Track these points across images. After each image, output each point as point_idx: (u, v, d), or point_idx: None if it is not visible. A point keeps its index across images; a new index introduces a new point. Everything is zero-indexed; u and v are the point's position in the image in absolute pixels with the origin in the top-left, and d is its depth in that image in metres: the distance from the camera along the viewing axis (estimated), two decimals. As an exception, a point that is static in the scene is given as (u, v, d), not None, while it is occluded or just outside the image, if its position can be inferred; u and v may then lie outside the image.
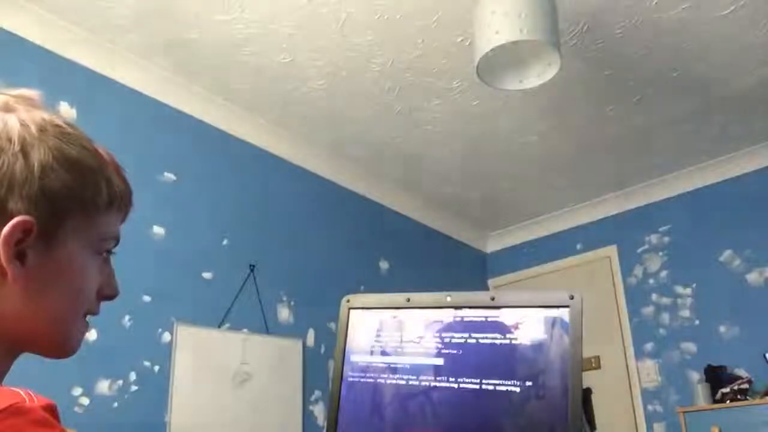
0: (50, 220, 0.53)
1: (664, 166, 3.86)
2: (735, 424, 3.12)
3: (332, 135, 3.36)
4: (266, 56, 2.72)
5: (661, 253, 3.96)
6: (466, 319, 0.68)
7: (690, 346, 3.70)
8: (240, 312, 2.87)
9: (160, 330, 2.55)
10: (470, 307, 0.68)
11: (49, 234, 0.53)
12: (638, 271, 4.03)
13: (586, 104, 3.15)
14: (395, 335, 0.71)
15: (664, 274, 3.92)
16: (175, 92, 2.86)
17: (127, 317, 2.45)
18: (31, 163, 0.52)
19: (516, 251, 4.72)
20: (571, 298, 0.63)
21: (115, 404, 2.34)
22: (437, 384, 0.66)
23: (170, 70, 2.79)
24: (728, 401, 3.25)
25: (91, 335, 2.30)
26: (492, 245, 4.86)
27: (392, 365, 0.70)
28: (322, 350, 3.22)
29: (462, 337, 0.67)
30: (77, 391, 2.24)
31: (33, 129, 0.53)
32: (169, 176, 2.76)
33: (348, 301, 0.76)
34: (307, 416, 3.03)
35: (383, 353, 0.71)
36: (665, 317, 3.85)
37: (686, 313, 3.77)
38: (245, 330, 2.87)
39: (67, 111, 2.42)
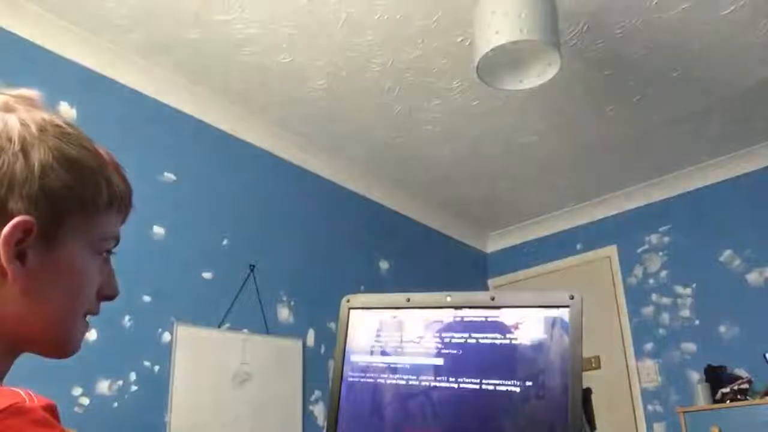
0: (50, 220, 0.53)
1: (664, 166, 3.86)
2: (735, 424, 3.12)
3: (332, 135, 3.36)
4: (266, 56, 2.72)
5: (661, 253, 3.96)
6: (466, 319, 0.68)
7: (690, 346, 3.70)
8: (240, 312, 2.87)
9: (160, 330, 2.55)
10: (470, 307, 0.68)
11: (50, 234, 0.53)
12: (638, 271, 4.03)
13: (586, 104, 3.15)
14: (395, 335, 0.71)
15: (664, 274, 3.92)
16: (175, 92, 2.86)
17: (127, 317, 2.45)
18: (32, 162, 0.52)
19: (516, 251, 4.72)
20: (571, 298, 0.63)
21: (115, 404, 2.34)
22: (437, 384, 0.66)
23: (170, 70, 2.79)
24: (728, 401, 3.25)
25: (91, 335, 2.30)
26: (492, 245, 4.86)
27: (392, 365, 0.70)
28: (322, 350, 3.22)
29: (462, 337, 0.67)
30: (77, 391, 2.24)
31: (33, 129, 0.53)
32: (169, 176, 2.76)
33: (348, 301, 0.76)
34: (307, 416, 3.03)
35: (383, 353, 0.71)
36: (665, 317, 3.85)
37: (686, 313, 3.77)
38: (245, 330, 2.87)
39: (67, 111, 2.42)
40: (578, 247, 4.37)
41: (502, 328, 0.66)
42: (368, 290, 3.11)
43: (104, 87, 2.61)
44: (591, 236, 4.31)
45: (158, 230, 2.65)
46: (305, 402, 3.04)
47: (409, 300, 0.72)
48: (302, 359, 3.08)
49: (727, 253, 3.68)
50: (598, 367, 4.00)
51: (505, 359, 0.64)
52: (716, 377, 3.38)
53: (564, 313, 0.63)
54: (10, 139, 0.52)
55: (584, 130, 3.40)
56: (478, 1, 2.25)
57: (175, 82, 2.84)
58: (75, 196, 0.55)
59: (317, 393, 3.12)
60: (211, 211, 2.89)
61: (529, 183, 4.02)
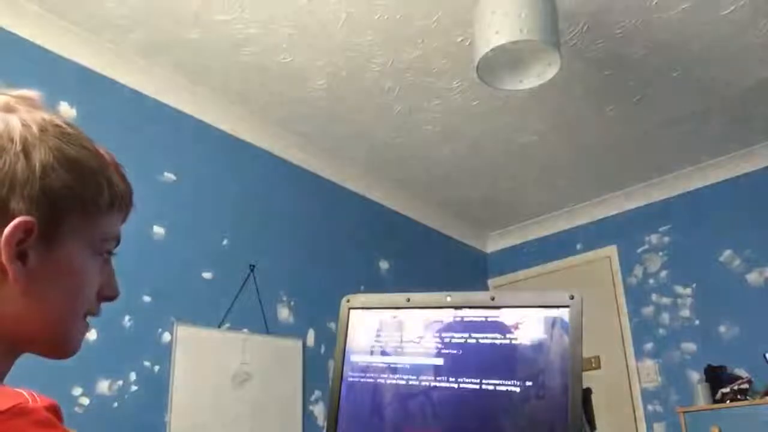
0: (51, 220, 0.53)
1: (664, 166, 3.86)
2: (735, 424, 3.12)
3: (332, 135, 3.36)
4: (266, 56, 2.72)
5: (661, 253, 3.96)
6: (466, 319, 0.68)
7: (690, 346, 3.70)
8: (240, 312, 2.87)
9: (160, 330, 2.55)
10: (470, 307, 0.68)
11: (50, 234, 0.53)
12: (638, 271, 4.03)
13: (586, 104, 3.15)
14: (395, 335, 0.71)
15: (664, 274, 3.92)
16: (175, 92, 2.86)
17: (127, 317, 2.45)
18: (33, 163, 0.52)
19: (516, 251, 4.72)
20: (571, 298, 0.63)
21: (115, 404, 2.34)
22: (437, 384, 0.66)
23: (170, 70, 2.79)
24: (728, 401, 3.25)
25: (91, 335, 2.30)
26: (492, 245, 4.86)
27: (392, 365, 0.70)
28: (322, 350, 3.22)
29: (462, 337, 0.67)
30: (77, 391, 2.24)
31: (34, 129, 0.53)
32: (169, 176, 2.76)
33: (348, 301, 0.76)
34: (307, 416, 3.03)
35: (383, 353, 0.71)
36: (665, 317, 3.85)
37: (686, 313, 3.77)
38: (245, 330, 2.87)
39: (67, 111, 2.42)
40: (578, 247, 4.37)
41: (502, 328, 0.66)
42: (368, 290, 3.11)
43: (104, 87, 2.61)
44: (591, 236, 4.31)
45: (158, 230, 2.65)
46: (305, 402, 3.04)
47: (409, 300, 0.72)
48: (302, 359, 3.08)
49: (727, 253, 3.68)
50: (598, 367, 4.00)
51: (505, 359, 0.64)
52: (716, 377, 3.38)
53: (564, 313, 0.63)
54: (11, 140, 0.52)
55: (584, 130, 3.40)
56: (478, 1, 2.25)
57: (175, 82, 2.84)
58: (76, 196, 0.55)
59: (317, 393, 3.13)
60: (211, 211, 2.89)
61: (529, 183, 4.02)
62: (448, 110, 3.15)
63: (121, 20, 2.48)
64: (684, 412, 3.36)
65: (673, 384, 3.71)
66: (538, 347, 0.63)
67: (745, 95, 3.12)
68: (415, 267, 4.04)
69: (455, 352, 0.67)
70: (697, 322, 3.71)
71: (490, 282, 4.77)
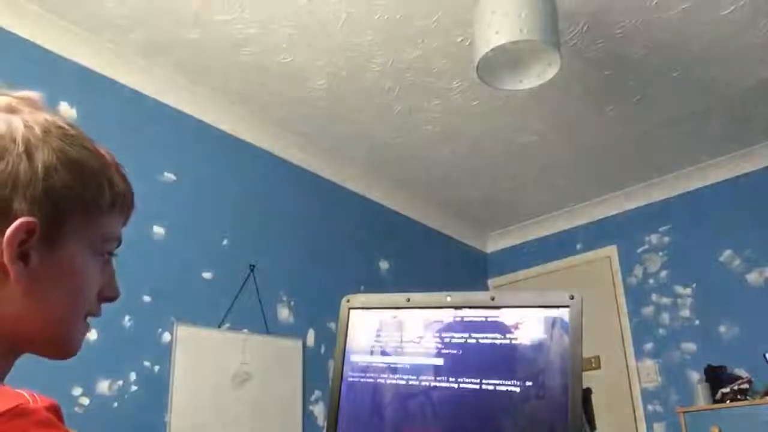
0: (53, 221, 0.53)
1: (664, 166, 3.86)
2: (735, 424, 3.12)
3: (332, 135, 3.36)
4: (266, 56, 2.72)
5: (661, 253, 3.96)
6: (466, 319, 0.68)
7: (690, 346, 3.70)
8: (240, 312, 2.87)
9: (160, 330, 2.55)
10: (470, 307, 0.68)
11: (52, 235, 0.53)
12: (638, 271, 4.03)
13: (586, 104, 3.15)
14: (395, 335, 0.71)
15: (664, 274, 3.92)
16: (175, 92, 2.86)
17: (127, 317, 2.45)
18: (35, 164, 0.52)
19: (516, 251, 4.72)
20: (571, 298, 0.63)
21: (115, 404, 2.34)
22: (437, 384, 0.66)
23: (170, 70, 2.79)
24: (728, 401, 3.25)
25: (91, 335, 2.30)
26: (492, 245, 4.86)
27: (392, 365, 0.70)
28: (322, 350, 3.22)
29: (462, 337, 0.67)
30: (77, 391, 2.24)
31: (37, 130, 0.53)
32: (169, 176, 2.76)
33: (348, 301, 0.76)
34: (307, 416, 3.03)
35: (383, 353, 0.71)
36: (665, 317, 3.85)
37: (686, 313, 3.77)
38: (245, 330, 2.87)
39: (67, 111, 2.42)
40: (578, 247, 4.37)
41: (502, 328, 0.66)
42: (368, 290, 3.11)
43: (104, 87, 2.61)
44: (591, 236, 4.31)
45: (158, 230, 2.65)
46: (305, 402, 3.04)
47: (409, 300, 0.72)
48: (302, 359, 3.08)
49: (727, 253, 3.68)
50: (598, 367, 4.00)
51: (505, 359, 0.64)
52: (716, 377, 3.38)
53: (564, 313, 0.63)
54: (14, 141, 0.52)
55: (584, 130, 3.40)
56: (478, 1, 2.25)
57: (175, 82, 2.84)
58: (77, 197, 0.55)
59: (317, 393, 3.13)
60: (211, 211, 2.89)
61: (529, 183, 4.02)
62: (448, 110, 3.15)
63: (121, 20, 2.48)
64: (684, 412, 3.36)
65: (673, 384, 3.71)
66: (538, 347, 0.63)
67: (745, 95, 3.12)
68: (415, 267, 4.04)
69: (455, 352, 0.67)
70: (697, 322, 3.71)
71: (490, 282, 4.77)
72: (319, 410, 3.11)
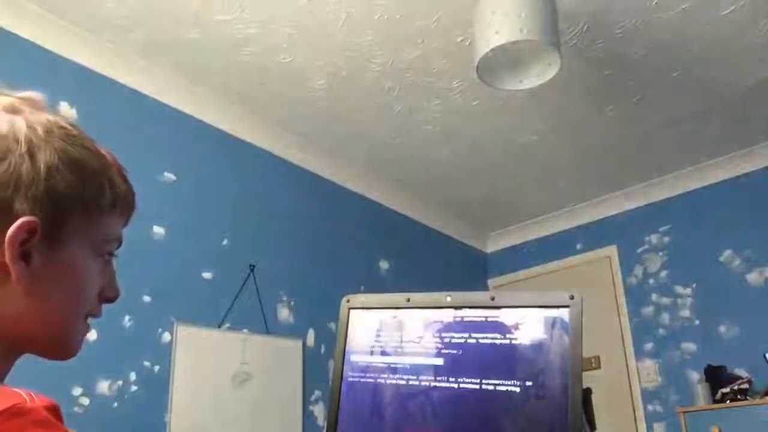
0: (54, 221, 0.53)
1: (664, 166, 3.86)
2: (735, 424, 3.12)
3: (332, 135, 3.36)
4: (266, 56, 2.72)
5: (661, 253, 3.96)
6: (466, 319, 0.68)
7: (690, 346, 3.70)
8: (240, 312, 2.87)
9: (160, 330, 2.55)
10: (470, 307, 0.68)
11: (53, 235, 0.54)
12: (638, 271, 4.03)
13: (586, 104, 3.15)
14: (395, 335, 0.71)
15: (664, 274, 3.92)
16: (175, 92, 2.86)
17: (127, 317, 2.45)
18: (38, 164, 0.52)
19: (516, 251, 4.72)
20: (571, 298, 0.63)
21: (115, 404, 2.34)
22: (437, 384, 0.66)
23: (170, 70, 2.79)
24: (728, 401, 3.25)
25: (91, 335, 2.30)
26: (492, 245, 4.86)
27: (392, 365, 0.70)
28: (322, 350, 3.22)
29: (462, 337, 0.67)
30: (77, 391, 2.24)
31: (39, 131, 0.54)
32: (169, 176, 2.76)
33: (348, 301, 0.76)
34: (307, 416, 3.03)
35: (383, 353, 0.71)
36: (665, 317, 3.85)
37: (686, 313, 3.77)
38: (245, 330, 2.87)
39: (67, 111, 2.42)
40: (578, 247, 4.37)
41: (502, 328, 0.66)
42: (368, 290, 3.11)
43: (104, 87, 2.61)
44: (591, 236, 4.31)
45: (158, 230, 2.65)
46: (305, 402, 3.04)
47: (409, 300, 0.72)
48: (302, 359, 3.08)
49: (727, 253, 3.68)
50: (598, 367, 3.99)
51: (505, 359, 0.64)
52: (716, 377, 3.38)
53: (564, 313, 0.63)
54: (17, 141, 0.52)
55: (584, 130, 3.40)
56: (478, 1, 2.25)
57: (175, 82, 2.84)
58: (79, 198, 0.55)
59: (317, 393, 3.13)
60: (211, 211, 2.89)
61: (529, 183, 4.02)
62: (448, 110, 3.15)
63: (121, 20, 2.48)
64: (684, 412, 3.36)
65: (673, 384, 3.71)
66: (538, 347, 0.63)
67: (745, 95, 3.12)
68: (415, 267, 4.04)
69: (455, 352, 0.67)
70: (697, 322, 3.71)
71: (490, 282, 4.77)
72: (319, 410, 3.11)
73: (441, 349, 0.68)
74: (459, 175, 3.87)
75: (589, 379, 3.32)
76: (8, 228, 0.51)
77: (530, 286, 4.49)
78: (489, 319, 0.67)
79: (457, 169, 3.79)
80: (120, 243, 0.62)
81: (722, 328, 3.60)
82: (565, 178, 3.96)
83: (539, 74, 2.32)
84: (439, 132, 3.36)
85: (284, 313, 3.10)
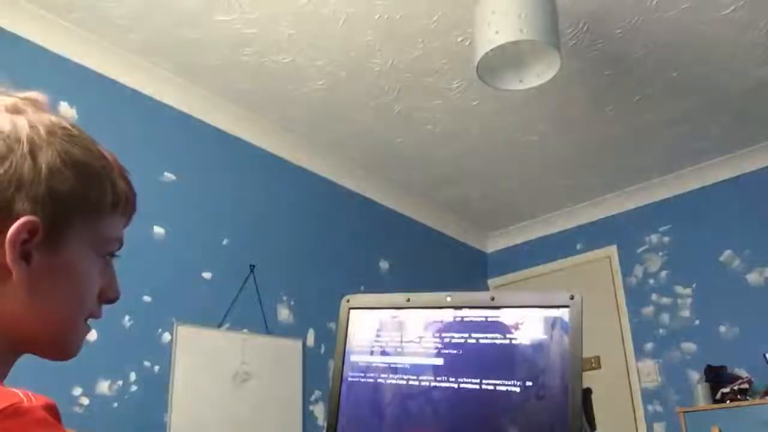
0: (55, 221, 0.53)
1: (664, 166, 3.86)
2: (735, 424, 3.12)
3: (332, 135, 3.36)
4: (266, 56, 2.72)
5: (661, 253, 3.96)
6: (466, 319, 0.68)
7: (690, 346, 3.70)
8: (240, 312, 2.87)
9: (160, 330, 2.55)
10: (470, 307, 0.68)
11: (54, 235, 0.53)
12: (638, 271, 4.03)
13: (586, 104, 3.15)
14: (395, 335, 0.71)
15: (664, 274, 3.92)
16: (175, 92, 2.86)
17: (127, 317, 2.45)
18: (39, 164, 0.52)
19: (516, 251, 4.72)
20: (571, 298, 0.63)
21: (115, 404, 2.34)
22: (437, 384, 0.66)
23: (170, 70, 2.79)
24: (728, 401, 3.25)
25: (91, 335, 2.30)
26: (492, 245, 4.86)
27: (392, 365, 0.70)
28: (322, 350, 3.22)
29: (462, 337, 0.67)
30: (77, 391, 2.24)
31: (41, 131, 0.54)
32: (169, 176, 2.76)
33: (348, 301, 0.76)
34: (307, 416, 3.03)
35: (383, 353, 0.71)
36: (665, 317, 3.85)
37: (686, 313, 3.77)
38: (245, 330, 2.87)
39: (67, 111, 2.42)
40: (578, 247, 4.37)
41: (502, 328, 0.66)
42: (368, 290, 3.11)
43: (104, 87, 2.61)
44: (591, 236, 4.31)
45: (158, 230, 2.65)
46: (305, 402, 3.04)
47: (409, 300, 0.72)
48: (302, 359, 3.08)
49: (727, 253, 3.68)
50: (598, 367, 3.99)
51: (505, 359, 0.64)
52: (716, 377, 3.38)
53: (564, 313, 0.63)
54: (18, 141, 0.52)
55: (584, 130, 3.40)
56: (478, 1, 2.25)
57: (175, 82, 2.84)
58: (80, 198, 0.55)
59: (317, 393, 3.13)
60: (211, 211, 2.89)
61: (529, 183, 4.02)
62: (448, 110, 3.15)
63: (121, 20, 2.48)
64: (684, 412, 3.36)
65: (673, 384, 3.71)
66: (538, 347, 0.63)
67: (745, 95, 3.12)
68: (415, 267, 4.04)
69: (455, 352, 0.67)
70: (697, 322, 3.71)
71: (490, 282, 4.77)
72: (319, 410, 3.11)
73: (441, 349, 0.68)
74: (459, 175, 3.87)
75: (589, 379, 3.31)
76: (9, 228, 0.50)
77: (530, 286, 4.49)
78: (489, 319, 0.67)
79: (457, 169, 3.79)
80: (121, 244, 0.62)
81: (722, 328, 3.60)
82: (565, 178, 3.96)
83: (539, 74, 2.32)
84: (439, 132, 3.35)
85: (284, 313, 3.10)
